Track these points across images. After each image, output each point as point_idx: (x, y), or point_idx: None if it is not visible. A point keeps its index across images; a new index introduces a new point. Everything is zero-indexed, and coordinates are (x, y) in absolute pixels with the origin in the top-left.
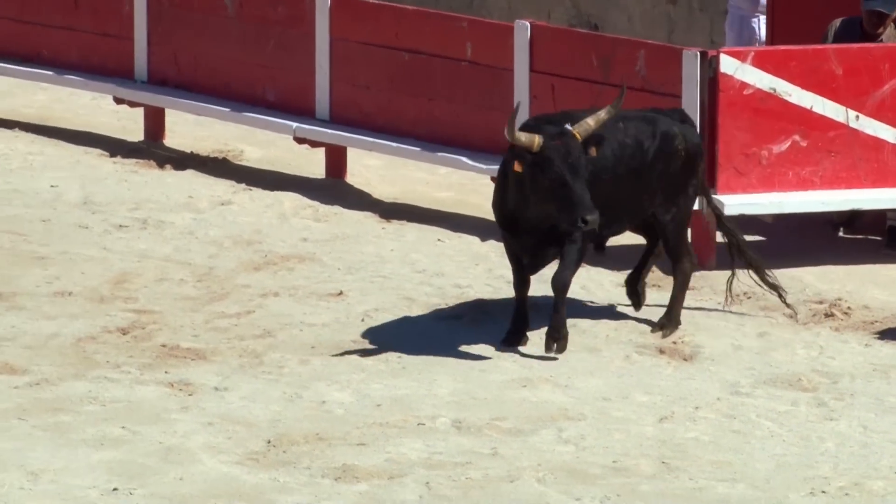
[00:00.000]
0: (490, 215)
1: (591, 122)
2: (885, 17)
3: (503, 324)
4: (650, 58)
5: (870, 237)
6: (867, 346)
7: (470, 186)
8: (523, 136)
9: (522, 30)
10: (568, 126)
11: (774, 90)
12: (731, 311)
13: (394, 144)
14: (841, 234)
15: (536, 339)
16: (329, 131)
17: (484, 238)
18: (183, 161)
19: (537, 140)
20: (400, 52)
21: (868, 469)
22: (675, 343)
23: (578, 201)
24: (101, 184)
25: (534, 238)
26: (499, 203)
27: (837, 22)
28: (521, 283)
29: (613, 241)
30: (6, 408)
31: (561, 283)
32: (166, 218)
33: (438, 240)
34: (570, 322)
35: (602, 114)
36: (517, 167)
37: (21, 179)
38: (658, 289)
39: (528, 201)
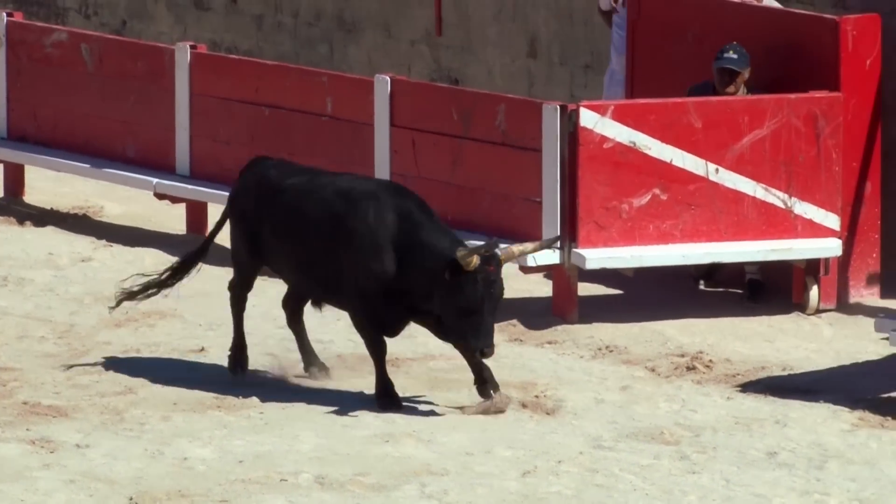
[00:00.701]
0: None
1: (515, 250)
2: (736, 75)
3: (367, 378)
4: (510, 111)
5: (730, 290)
6: (729, 399)
7: None
8: (468, 255)
9: (383, 84)
10: (498, 251)
11: (634, 143)
12: (593, 365)
13: None
14: (702, 286)
15: (401, 392)
16: (190, 187)
17: None
18: (43, 217)
19: (474, 261)
20: (260, 108)
21: None
22: (537, 397)
23: (487, 332)
24: None
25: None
26: (380, 272)
27: (693, 87)
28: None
29: None
30: None
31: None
32: (26, 275)
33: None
34: (431, 376)
35: (529, 246)
36: (446, 275)
37: None
38: (520, 342)
39: (425, 294)
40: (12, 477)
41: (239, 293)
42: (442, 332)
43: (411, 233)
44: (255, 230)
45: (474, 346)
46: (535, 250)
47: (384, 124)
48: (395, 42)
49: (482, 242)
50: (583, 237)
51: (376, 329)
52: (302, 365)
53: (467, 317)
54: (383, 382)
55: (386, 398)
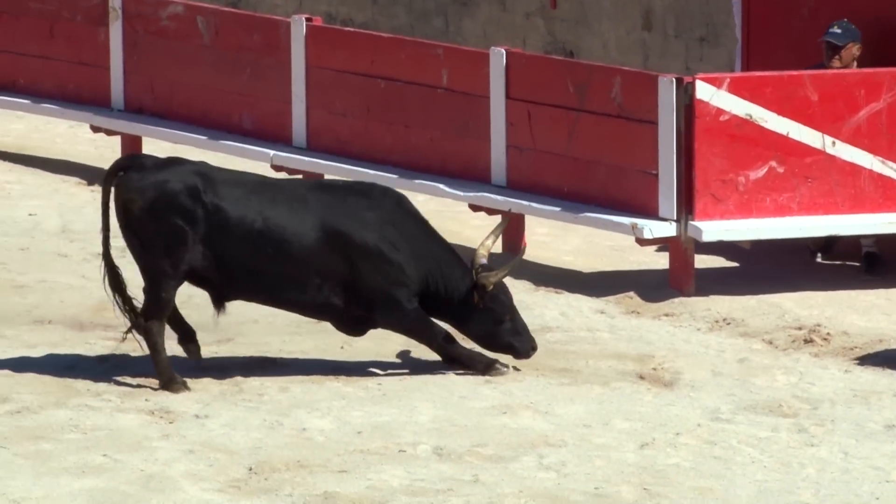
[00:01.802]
0: (466, 242)
1: (482, 251)
2: (839, 49)
3: (484, 350)
4: (626, 84)
5: (847, 263)
6: (847, 371)
7: (447, 213)
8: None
9: (498, 57)
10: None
11: (750, 116)
12: (710, 338)
13: (371, 171)
14: (819, 259)
15: (521, 367)
16: (306, 159)
17: None
18: None
19: (494, 277)
20: (376, 80)
21: (849, 495)
22: (654, 369)
23: (526, 330)
24: (79, 212)
25: None
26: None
27: (810, 66)
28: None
29: (591, 267)
30: None
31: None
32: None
33: None
34: (549, 348)
35: (505, 270)
36: (476, 300)
37: None
38: (637, 315)
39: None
40: (132, 447)
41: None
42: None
43: None
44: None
45: (524, 349)
46: (493, 242)
47: (500, 97)
48: (510, 15)
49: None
50: (699, 210)
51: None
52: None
53: (502, 324)
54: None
55: (485, 363)
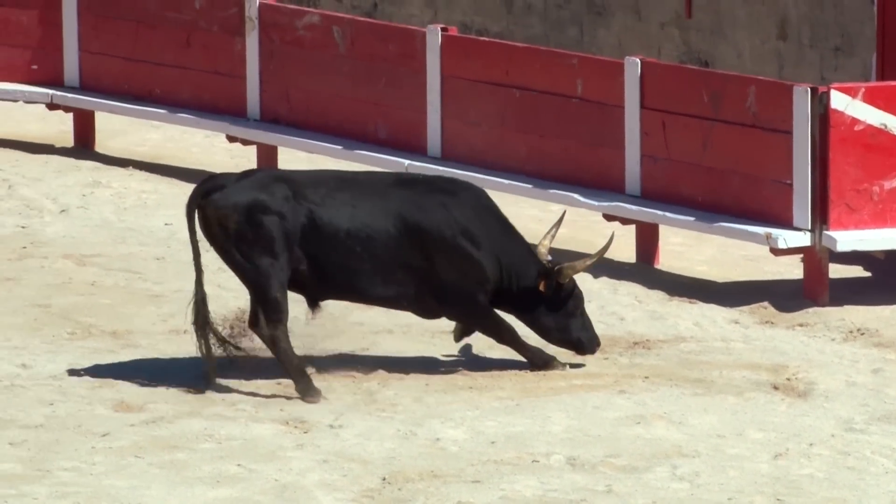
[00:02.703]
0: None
1: (578, 266)
2: None
3: (617, 359)
4: (761, 94)
5: None
6: None
7: (581, 223)
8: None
9: (633, 66)
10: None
11: (885, 126)
12: (844, 348)
13: (505, 181)
14: None
15: (651, 375)
16: (440, 168)
17: (596, 275)
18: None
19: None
20: (510, 89)
21: None
22: (788, 379)
23: (592, 327)
24: None
25: None
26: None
27: None
28: None
29: (725, 277)
30: (122, 445)
31: None
32: None
33: None
34: (682, 358)
35: (588, 261)
36: (542, 287)
37: (135, 218)
38: (771, 325)
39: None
40: (266, 457)
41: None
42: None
43: None
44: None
45: (590, 344)
46: (593, 262)
47: (634, 106)
48: (645, 24)
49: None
50: (833, 219)
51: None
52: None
53: (579, 321)
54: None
55: (544, 359)
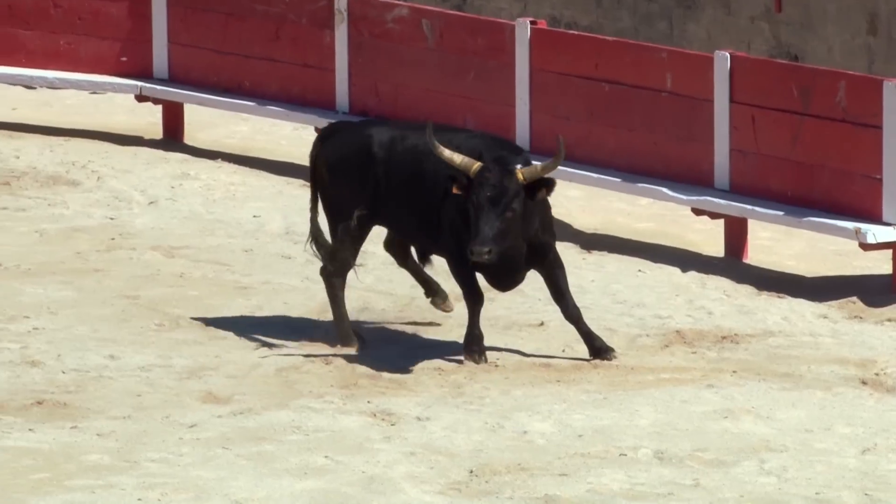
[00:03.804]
0: (690, 245)
1: (539, 167)
2: None
3: (705, 353)
4: (851, 88)
5: None
6: None
7: (669, 217)
8: (459, 159)
9: (722, 60)
10: (519, 166)
11: None
12: None
13: (594, 175)
14: None
15: (739, 369)
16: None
17: (685, 269)
18: None
19: (475, 165)
20: (600, 83)
21: None
22: (877, 374)
23: (477, 233)
24: (303, 214)
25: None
26: None
27: None
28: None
29: (814, 272)
30: (210, 437)
31: (573, 312)
32: (367, 248)
33: (639, 270)
34: (771, 353)
35: (549, 163)
36: (454, 189)
37: (224, 210)
38: (860, 320)
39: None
40: (354, 449)
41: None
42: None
43: None
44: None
45: (468, 248)
46: (555, 165)
47: (724, 100)
48: (735, 18)
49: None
50: None
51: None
52: (424, 293)
53: (472, 223)
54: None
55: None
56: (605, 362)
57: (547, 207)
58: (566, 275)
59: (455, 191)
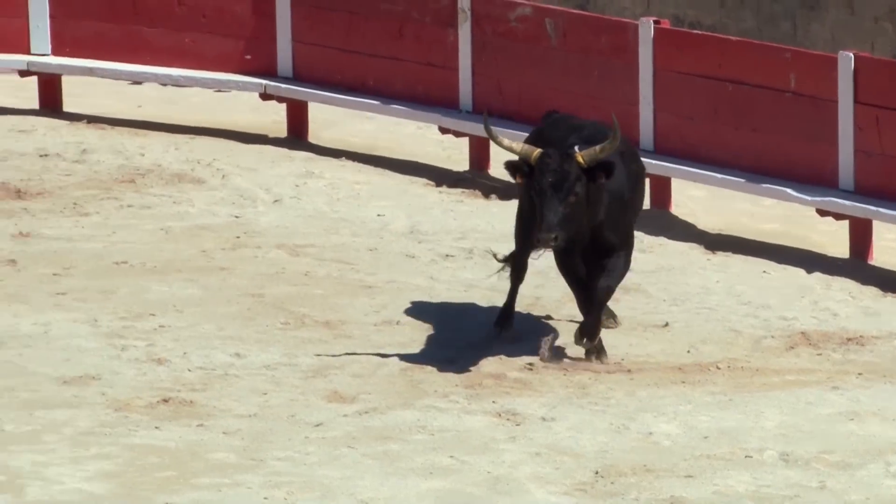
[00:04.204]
0: (815, 247)
1: (598, 149)
2: None
3: (830, 355)
4: None
5: None
6: None
7: (794, 218)
8: (520, 147)
9: (846, 61)
10: (576, 148)
11: None
12: None
13: (718, 175)
14: None
15: (865, 371)
16: (654, 162)
17: (809, 270)
18: (508, 190)
19: (535, 153)
20: (723, 83)
21: None
22: None
23: (541, 220)
24: (427, 213)
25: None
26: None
27: None
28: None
29: None
30: (335, 436)
31: (605, 287)
32: (492, 247)
33: (764, 272)
34: None
35: (607, 145)
36: (518, 179)
37: (348, 208)
38: None
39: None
40: (479, 449)
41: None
42: None
43: None
44: None
45: (533, 235)
46: (612, 145)
47: (848, 101)
48: (859, 19)
49: None
50: None
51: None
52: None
53: (538, 209)
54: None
55: None
56: (732, 364)
57: (624, 210)
58: (622, 274)
59: (518, 180)
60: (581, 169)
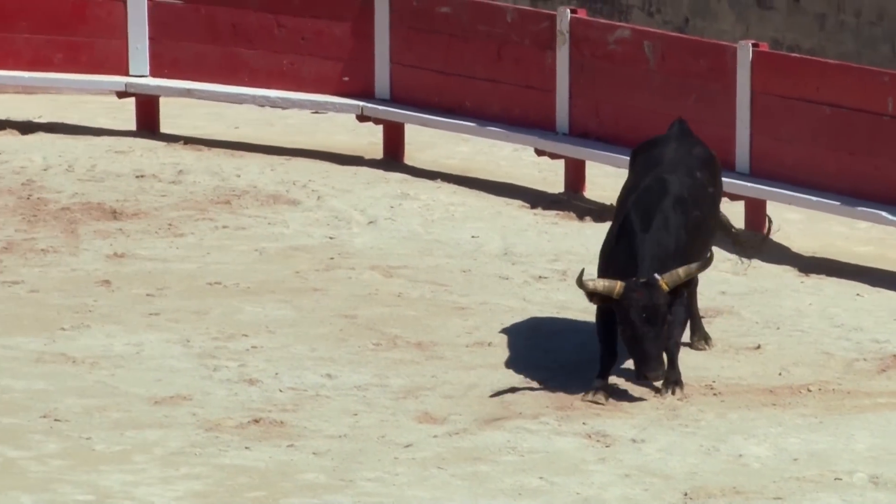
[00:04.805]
0: None
1: (681, 273)
2: None
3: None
4: None
5: None
6: None
7: (889, 241)
8: (601, 284)
9: None
10: (657, 276)
11: None
12: None
13: (813, 198)
14: None
15: None
16: (749, 185)
17: None
18: (603, 213)
19: (618, 288)
20: (822, 106)
21: None
22: None
23: (643, 358)
24: (521, 235)
25: None
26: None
27: None
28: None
29: None
30: (425, 456)
31: (674, 343)
32: (587, 269)
33: (857, 294)
34: None
35: (693, 267)
36: (597, 301)
37: (442, 230)
38: None
39: None
40: (568, 470)
41: None
42: None
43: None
44: None
45: (638, 373)
46: (700, 269)
47: None
48: None
49: None
50: None
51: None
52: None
53: (630, 343)
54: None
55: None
56: (823, 387)
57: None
58: (684, 322)
59: (597, 302)
60: (667, 296)
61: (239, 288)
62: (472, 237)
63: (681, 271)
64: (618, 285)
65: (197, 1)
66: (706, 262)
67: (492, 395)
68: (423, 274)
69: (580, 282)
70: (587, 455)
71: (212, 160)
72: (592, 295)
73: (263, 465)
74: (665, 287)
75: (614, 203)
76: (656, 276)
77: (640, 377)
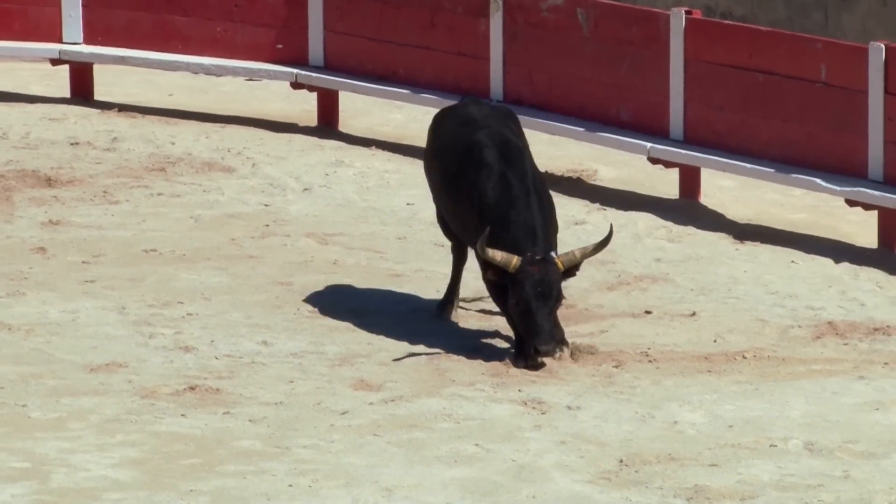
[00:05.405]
0: (843, 237)
1: (577, 254)
2: None
3: (857, 345)
4: None
5: None
6: None
7: (824, 208)
8: (499, 256)
9: (877, 52)
10: (553, 254)
11: None
12: None
13: (748, 165)
14: None
15: (891, 361)
16: (683, 152)
17: (837, 260)
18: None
19: (514, 261)
20: (754, 73)
21: None
22: None
23: (536, 331)
24: None
25: None
26: None
27: None
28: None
29: None
30: (361, 424)
31: None
32: None
33: (792, 261)
34: None
35: (589, 248)
36: (491, 276)
37: (377, 197)
38: None
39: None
40: (504, 437)
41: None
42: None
43: None
44: None
45: (529, 347)
46: (596, 251)
47: (878, 92)
48: (891, 10)
49: None
50: None
51: None
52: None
53: (523, 319)
54: None
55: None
56: (758, 354)
57: None
58: None
59: (491, 276)
60: (560, 273)
61: (174, 255)
62: (408, 204)
63: (577, 252)
64: (514, 259)
65: None
66: (603, 243)
67: (427, 363)
68: (358, 241)
69: (482, 247)
70: (523, 422)
71: (146, 127)
72: (487, 267)
73: (199, 432)
74: (561, 266)
75: (548, 170)
76: (553, 254)
77: (535, 352)
